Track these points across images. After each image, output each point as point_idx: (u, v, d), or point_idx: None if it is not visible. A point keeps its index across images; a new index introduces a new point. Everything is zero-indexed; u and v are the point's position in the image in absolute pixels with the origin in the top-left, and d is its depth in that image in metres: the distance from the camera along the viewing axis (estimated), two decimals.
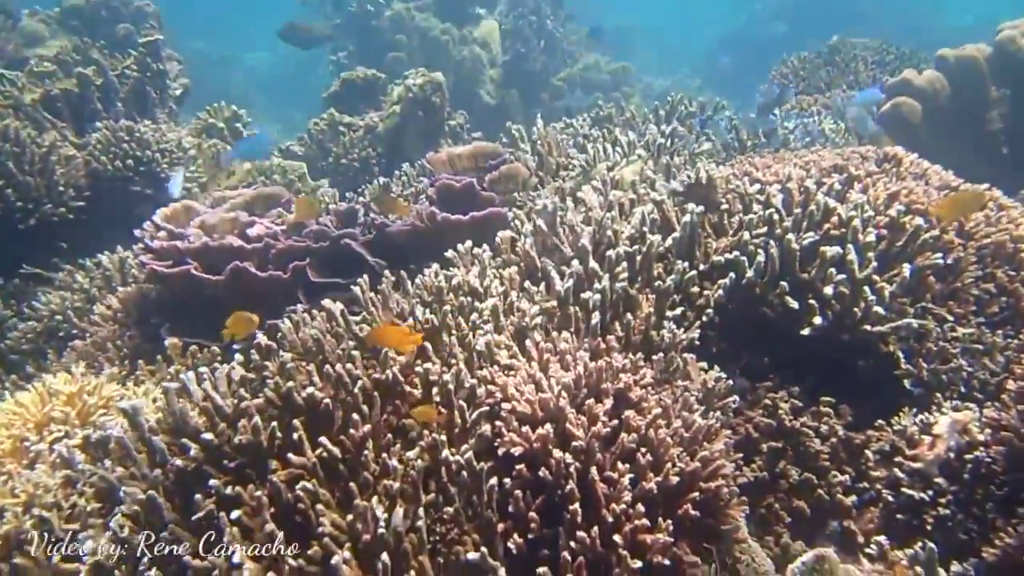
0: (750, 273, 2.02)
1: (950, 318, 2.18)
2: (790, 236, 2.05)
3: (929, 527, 1.84)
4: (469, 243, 2.13)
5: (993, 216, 2.37)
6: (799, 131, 4.18)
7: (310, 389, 1.51)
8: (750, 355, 2.15)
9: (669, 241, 2.08)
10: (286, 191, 3.19)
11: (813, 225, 2.13)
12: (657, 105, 4.80)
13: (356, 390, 1.51)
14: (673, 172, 2.66)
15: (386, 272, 1.95)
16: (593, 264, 1.93)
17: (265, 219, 2.83)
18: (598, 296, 1.83)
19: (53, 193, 3.28)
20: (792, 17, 16.86)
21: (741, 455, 1.87)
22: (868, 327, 2.01)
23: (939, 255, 2.12)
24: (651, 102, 12.97)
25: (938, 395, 2.06)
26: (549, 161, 2.98)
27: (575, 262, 1.92)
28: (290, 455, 1.44)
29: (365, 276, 1.97)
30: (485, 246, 2.17)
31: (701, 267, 2.14)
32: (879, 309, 1.99)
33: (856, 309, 2.02)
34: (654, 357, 1.77)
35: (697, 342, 1.97)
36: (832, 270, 2.01)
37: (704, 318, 2.02)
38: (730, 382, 1.90)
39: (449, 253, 2.11)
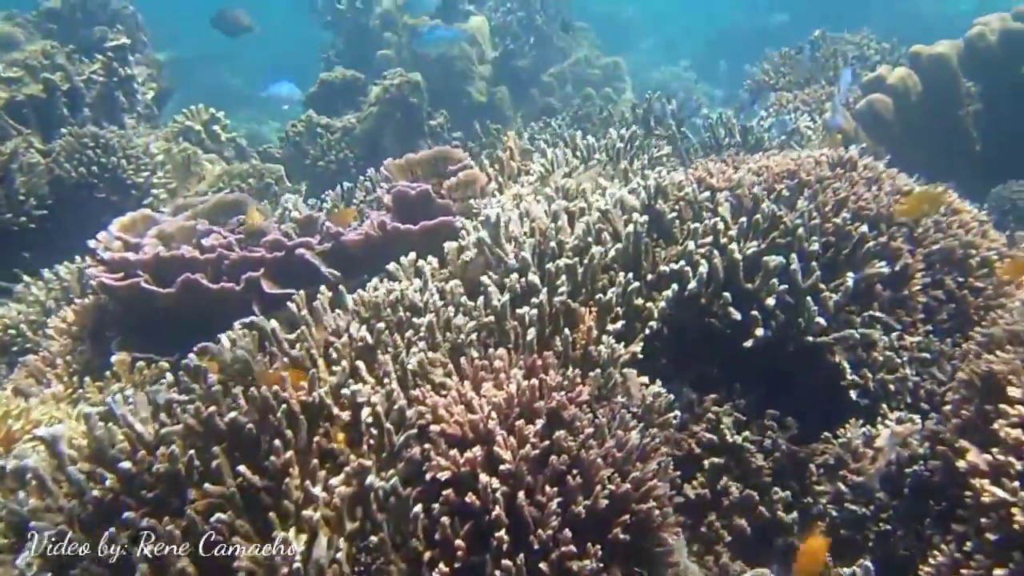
0: (693, 284, 2.01)
1: (898, 326, 2.16)
2: (733, 246, 2.03)
3: (871, 543, 1.83)
4: (412, 255, 2.12)
5: (944, 221, 2.35)
6: (775, 129, 4.16)
7: (232, 414, 1.50)
8: (699, 366, 2.13)
9: (614, 252, 2.07)
10: (249, 198, 3.17)
11: (759, 234, 2.11)
12: (635, 104, 4.78)
13: (279, 414, 1.50)
14: (629, 178, 2.64)
15: (321, 290, 1.94)
16: (533, 277, 1.92)
17: (223, 228, 2.81)
18: (535, 311, 1.81)
19: (13, 202, 3.27)
20: (793, 6, 16.75)
21: (680, 473, 1.85)
22: (810, 338, 2.00)
23: (884, 264, 2.10)
24: (645, 96, 12.96)
25: (884, 406, 2.05)
26: (511, 166, 2.96)
27: (514, 275, 1.90)
28: (207, 485, 1.43)
29: (322, 287, 1.97)
30: (432, 258, 2.16)
31: (649, 277, 2.12)
32: (821, 320, 1.97)
33: (800, 319, 2.01)
34: (592, 374, 1.75)
35: (641, 356, 1.96)
36: (775, 280, 2.00)
37: (648, 331, 2.00)
38: (671, 397, 1.89)
39: (392, 266, 2.10)
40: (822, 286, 2.08)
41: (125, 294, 2.47)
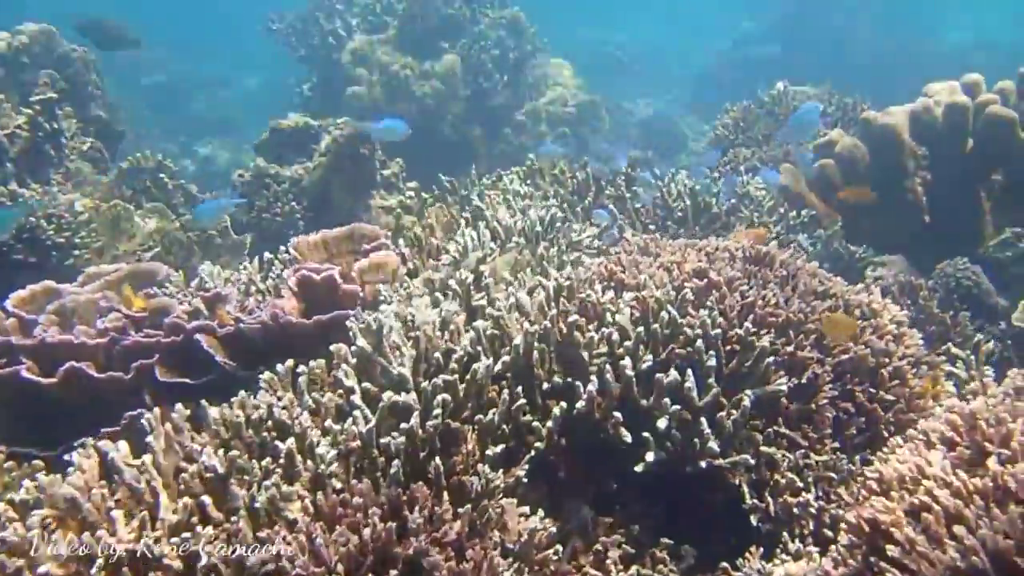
0: (581, 403, 1.90)
1: (804, 443, 2.06)
2: (625, 362, 1.93)
3: None
4: (289, 363, 2.00)
5: (855, 328, 2.25)
6: (725, 189, 4.07)
7: (44, 568, 1.38)
8: (598, 482, 2.03)
9: (500, 366, 1.96)
10: (164, 267, 3.06)
11: (658, 345, 2.01)
12: (587, 160, 4.69)
13: (94, 570, 1.39)
14: (544, 266, 2.54)
15: (177, 408, 1.81)
16: (406, 397, 1.81)
17: (123, 307, 2.70)
18: (402, 440, 1.70)
19: None
20: (785, 37, 16.74)
21: None
22: (704, 463, 1.89)
23: (783, 381, 2.00)
24: (625, 135, 12.89)
25: (786, 533, 1.94)
26: (431, 242, 2.85)
27: (387, 394, 1.79)
28: None
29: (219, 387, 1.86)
30: (314, 364, 2.05)
31: (546, 386, 2.02)
32: (713, 446, 1.87)
33: (696, 440, 1.91)
34: (462, 509, 1.64)
35: (526, 479, 1.86)
36: (667, 400, 1.89)
37: (534, 452, 1.89)
38: (552, 530, 1.77)
39: (265, 376, 1.99)
40: (724, 400, 1.98)
41: (5, 382, 2.36)
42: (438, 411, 1.75)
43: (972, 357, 2.50)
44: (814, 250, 3.84)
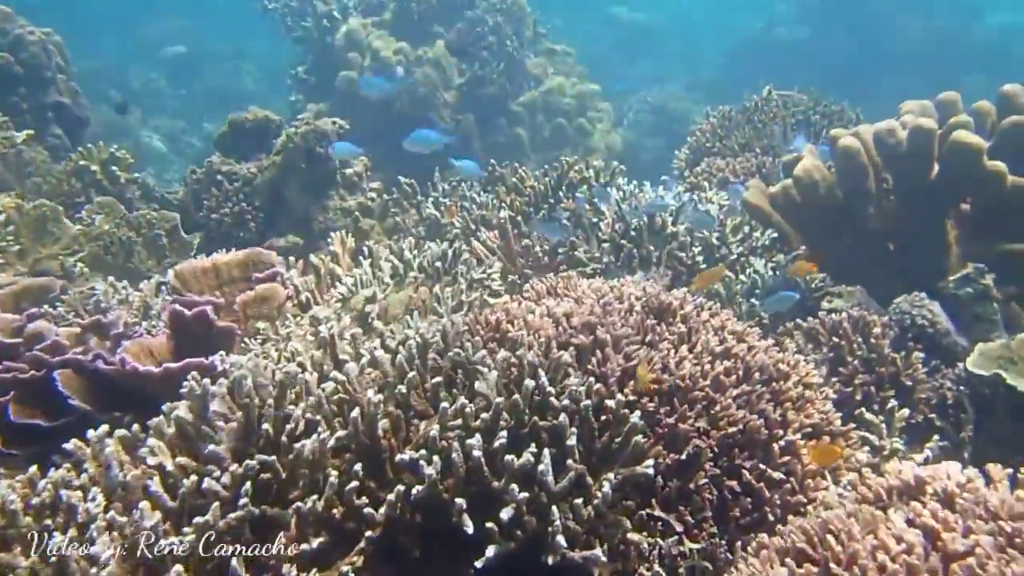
0: (418, 489, 1.71)
1: (679, 527, 1.86)
2: (473, 440, 1.74)
3: None
4: (104, 428, 1.83)
5: (754, 392, 2.04)
6: (686, 213, 3.86)
7: None
8: (454, 570, 1.85)
9: (333, 442, 1.77)
10: (57, 283, 2.90)
11: (519, 417, 1.82)
12: (547, 168, 4.49)
13: None
14: (435, 307, 2.36)
15: None
16: (214, 486, 1.63)
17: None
18: (189, 541, 1.52)
19: None
20: (816, 20, 16.25)
21: None
22: (556, 557, 1.70)
23: (650, 464, 1.79)
24: (623, 126, 12.57)
25: None
26: (332, 268, 2.67)
27: (190, 479, 1.62)
28: None
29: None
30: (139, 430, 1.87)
31: (398, 457, 1.83)
32: (560, 540, 1.68)
33: (550, 528, 1.72)
34: None
35: (355, 573, 1.68)
36: (514, 486, 1.70)
37: (365, 543, 1.71)
38: None
39: (71, 444, 1.81)
40: (590, 481, 1.80)
41: None
42: (244, 500, 1.57)
43: (884, 425, 2.29)
44: (771, 276, 3.63)
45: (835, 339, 3.24)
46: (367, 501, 1.72)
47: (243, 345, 2.21)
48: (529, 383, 1.83)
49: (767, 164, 4.57)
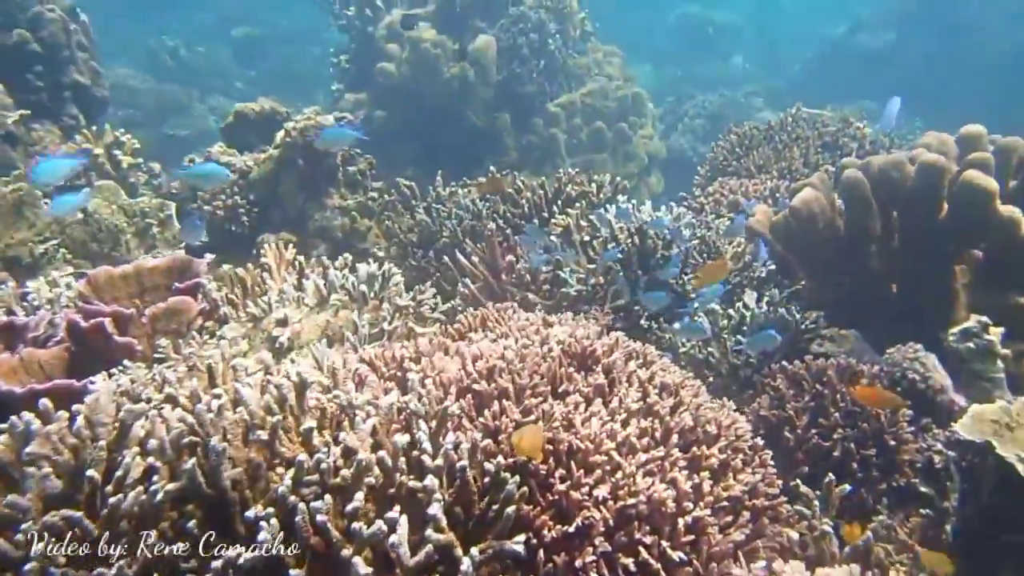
0: (246, 558, 1.54)
1: None
2: (318, 504, 1.55)
3: None
4: None
5: (666, 459, 1.83)
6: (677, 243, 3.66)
7: None
8: None
9: (161, 495, 1.60)
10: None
11: (387, 475, 1.64)
12: (544, 180, 4.29)
13: None
14: (348, 335, 2.19)
15: None
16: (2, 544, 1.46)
17: None
18: None
19: None
20: (900, 27, 15.61)
21: None
22: None
23: (520, 540, 1.60)
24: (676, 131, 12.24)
25: None
26: (265, 280, 2.51)
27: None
28: None
29: None
30: None
31: (249, 513, 1.66)
32: None
33: None
34: None
35: None
36: (358, 559, 1.52)
37: None
38: None
39: None
40: (458, 553, 1.61)
41: None
42: (31, 565, 1.40)
43: (817, 503, 2.06)
44: (761, 312, 3.39)
45: (818, 387, 3.01)
46: (195, 566, 1.56)
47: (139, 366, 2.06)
48: (400, 438, 1.65)
49: (782, 188, 4.30)
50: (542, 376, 1.90)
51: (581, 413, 1.83)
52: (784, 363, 3.12)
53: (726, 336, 3.36)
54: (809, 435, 2.92)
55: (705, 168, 5.01)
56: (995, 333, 3.04)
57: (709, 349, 3.38)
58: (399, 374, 1.95)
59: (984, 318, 2.95)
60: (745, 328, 3.36)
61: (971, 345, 2.97)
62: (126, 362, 2.03)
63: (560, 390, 1.91)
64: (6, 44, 4.97)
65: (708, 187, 4.46)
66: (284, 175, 4.59)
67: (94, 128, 5.19)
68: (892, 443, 2.85)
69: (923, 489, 2.84)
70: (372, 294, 2.35)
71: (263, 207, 4.59)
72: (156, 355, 2.12)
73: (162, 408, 1.72)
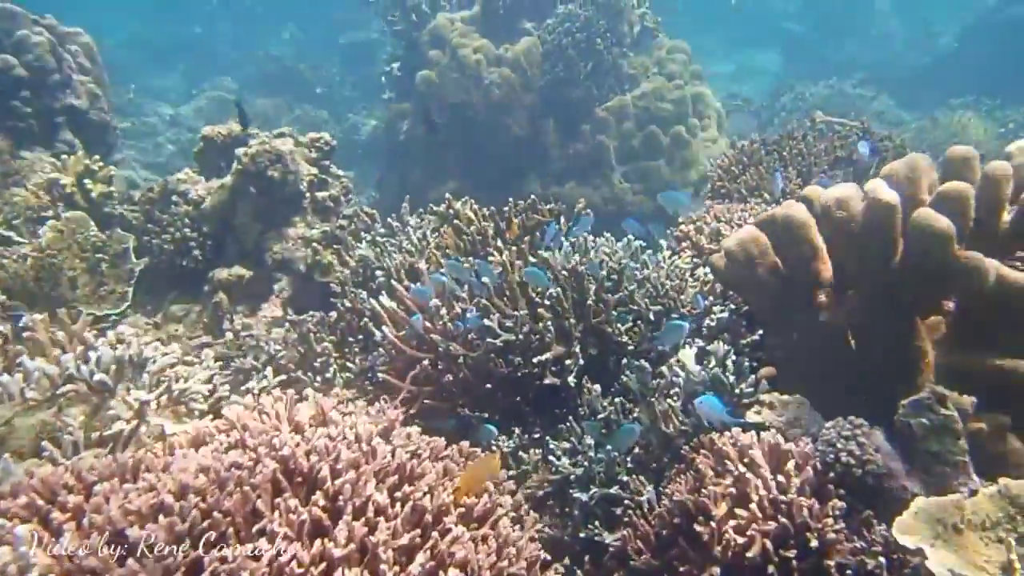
0: None
1: None
2: None
3: None
4: None
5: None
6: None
7: None
8: None
9: None
10: None
11: None
12: (494, 209, 3.89)
13: None
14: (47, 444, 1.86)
15: None
16: None
17: None
18: None
19: None
20: None
21: None
22: None
23: None
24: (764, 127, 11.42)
25: None
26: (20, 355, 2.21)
27: None
28: None
29: None
30: None
31: None
32: None
33: None
34: None
35: None
36: None
37: None
38: None
39: None
40: None
41: None
42: None
43: None
44: (700, 371, 2.91)
45: (741, 468, 2.52)
46: None
47: None
48: None
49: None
50: (233, 508, 1.53)
51: (268, 566, 1.44)
52: (713, 436, 2.66)
53: (653, 400, 2.90)
54: (724, 529, 2.45)
55: (706, 189, 4.48)
56: (964, 403, 2.47)
57: (634, 415, 2.92)
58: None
59: (939, 388, 2.39)
60: (676, 392, 2.89)
61: (924, 420, 2.42)
62: None
63: (255, 529, 1.53)
64: None
65: (693, 213, 3.94)
66: (239, 204, 4.34)
67: (96, 156, 5.08)
68: (815, 544, 2.34)
69: None
70: (122, 383, 2.01)
71: (217, 240, 4.36)
72: None
73: None
